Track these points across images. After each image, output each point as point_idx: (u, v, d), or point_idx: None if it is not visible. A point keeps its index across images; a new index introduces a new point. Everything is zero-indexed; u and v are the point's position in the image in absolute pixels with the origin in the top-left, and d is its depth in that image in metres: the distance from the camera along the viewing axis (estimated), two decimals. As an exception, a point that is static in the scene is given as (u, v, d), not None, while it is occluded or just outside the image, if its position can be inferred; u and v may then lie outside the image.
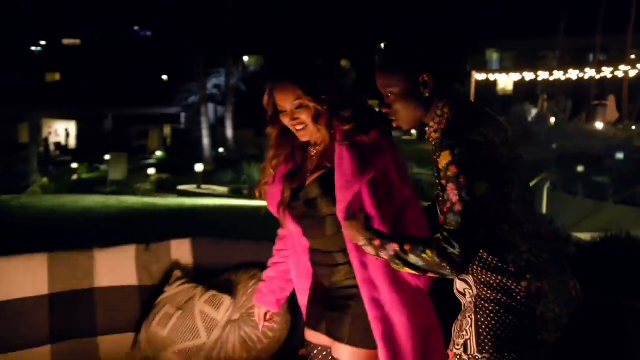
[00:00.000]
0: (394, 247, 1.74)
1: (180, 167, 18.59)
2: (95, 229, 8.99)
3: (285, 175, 2.12)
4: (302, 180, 2.08)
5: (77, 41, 40.70)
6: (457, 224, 1.63)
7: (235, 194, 15.04)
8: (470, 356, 1.71)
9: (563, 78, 26.41)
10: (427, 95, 1.78)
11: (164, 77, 33.76)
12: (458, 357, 1.75)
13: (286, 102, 1.98)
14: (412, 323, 1.96)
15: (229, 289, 2.71)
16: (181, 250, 2.89)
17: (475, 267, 1.74)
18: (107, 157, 19.07)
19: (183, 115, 29.28)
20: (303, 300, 2.21)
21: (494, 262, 1.71)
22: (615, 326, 2.53)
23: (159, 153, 24.20)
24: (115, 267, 2.77)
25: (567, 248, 5.87)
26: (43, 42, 41.12)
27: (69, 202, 11.83)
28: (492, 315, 1.70)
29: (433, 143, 1.81)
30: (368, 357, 1.95)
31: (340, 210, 1.94)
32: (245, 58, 34.54)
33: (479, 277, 1.74)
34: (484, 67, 31.59)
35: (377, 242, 1.79)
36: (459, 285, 1.83)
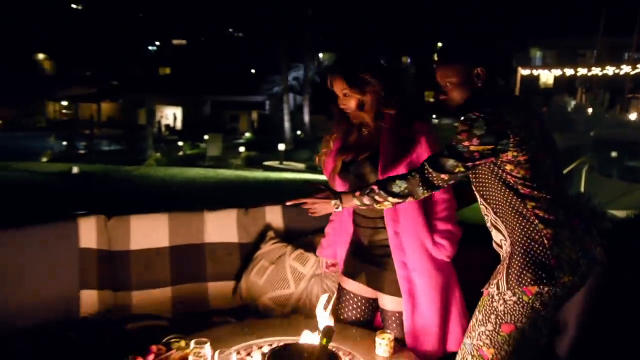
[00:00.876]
0: (376, 185, 1.84)
1: (265, 146, 18.76)
2: (200, 194, 9.26)
3: (339, 149, 2.17)
4: (354, 155, 2.12)
5: (184, 41, 41.62)
6: (441, 150, 1.76)
7: (311, 169, 15.10)
8: (500, 292, 1.72)
9: (600, 73, 24.85)
10: (479, 85, 1.79)
11: (252, 70, 34.07)
12: (490, 295, 1.76)
13: (336, 90, 2.07)
14: (431, 283, 2.02)
15: (314, 248, 2.72)
16: (274, 215, 2.92)
17: (505, 213, 1.76)
18: (206, 137, 19.37)
19: (267, 102, 29.47)
20: (341, 253, 2.25)
21: (520, 207, 1.72)
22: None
23: (247, 134, 24.52)
24: (221, 226, 2.82)
25: (603, 223, 5.60)
26: (157, 43, 42.33)
27: (177, 173, 12.19)
28: (519, 259, 1.70)
29: None
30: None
31: None
32: (320, 55, 34.35)
33: (509, 226, 1.75)
34: (528, 64, 30.32)
35: (356, 194, 1.88)
36: (495, 236, 1.83)
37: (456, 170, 1.74)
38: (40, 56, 38.62)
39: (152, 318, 2.52)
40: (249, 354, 1.90)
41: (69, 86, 30.78)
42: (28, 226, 2.53)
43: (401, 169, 1.98)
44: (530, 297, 1.68)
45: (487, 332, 1.72)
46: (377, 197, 1.84)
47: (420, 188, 1.78)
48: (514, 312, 1.69)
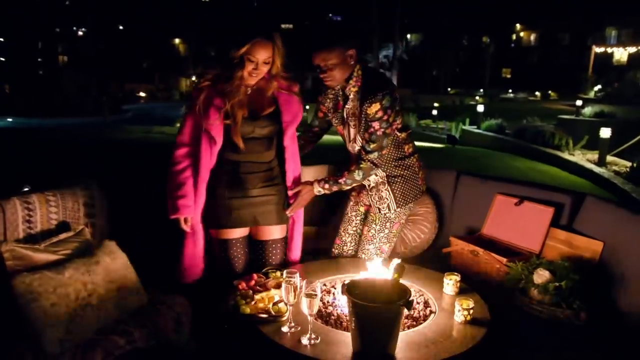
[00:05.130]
0: (341, 179, 2.07)
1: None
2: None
3: (232, 106, 1.95)
4: (251, 111, 1.99)
5: (290, 25, 41.95)
6: (375, 141, 2.01)
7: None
8: (392, 210, 2.17)
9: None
10: (351, 63, 2.01)
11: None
12: (382, 212, 2.18)
13: (260, 57, 1.92)
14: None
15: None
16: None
17: (388, 161, 2.14)
18: (307, 106, 19.48)
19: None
20: (197, 215, 2.04)
21: (398, 152, 2.14)
22: None
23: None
24: (313, 179, 2.83)
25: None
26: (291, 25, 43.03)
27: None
28: (400, 184, 2.16)
29: (350, 94, 2.06)
30: (286, 227, 2.17)
31: (288, 137, 2.06)
32: (408, 35, 33.13)
33: (389, 165, 2.13)
34: (602, 42, 27.36)
35: (326, 187, 2.09)
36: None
37: (389, 142, 2.07)
38: (176, 40, 40.76)
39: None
40: (333, 286, 1.93)
41: (197, 65, 32.18)
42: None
43: (295, 122, 2.05)
44: (407, 203, 2.17)
45: (385, 235, 2.20)
46: (342, 185, 2.07)
47: (373, 169, 2.07)
48: (399, 215, 2.19)
